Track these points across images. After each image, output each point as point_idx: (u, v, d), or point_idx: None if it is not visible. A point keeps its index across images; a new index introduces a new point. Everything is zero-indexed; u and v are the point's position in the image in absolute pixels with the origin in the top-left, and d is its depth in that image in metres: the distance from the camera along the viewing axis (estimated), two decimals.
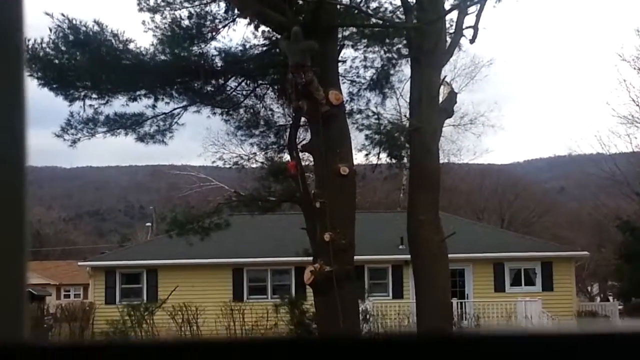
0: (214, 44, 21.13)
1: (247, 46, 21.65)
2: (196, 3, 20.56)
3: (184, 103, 21.77)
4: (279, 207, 23.41)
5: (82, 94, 20.67)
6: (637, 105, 63.71)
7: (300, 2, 19.10)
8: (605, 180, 50.04)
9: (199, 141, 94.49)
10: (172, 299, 26.24)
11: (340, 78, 20.24)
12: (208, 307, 26.63)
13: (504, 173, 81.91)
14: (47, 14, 19.32)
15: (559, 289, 37.27)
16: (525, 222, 64.96)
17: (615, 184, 48.66)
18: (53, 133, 20.95)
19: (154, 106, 21.47)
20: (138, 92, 21.18)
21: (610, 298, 53.18)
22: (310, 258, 19.28)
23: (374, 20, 21.88)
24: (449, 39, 20.48)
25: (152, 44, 20.50)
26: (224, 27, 20.91)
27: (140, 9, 20.18)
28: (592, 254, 45.62)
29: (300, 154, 19.93)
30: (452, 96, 20.57)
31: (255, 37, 21.55)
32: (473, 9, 20.37)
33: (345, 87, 21.53)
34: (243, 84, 22.35)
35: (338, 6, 19.73)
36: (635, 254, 19.01)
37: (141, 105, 21.51)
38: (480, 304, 33.97)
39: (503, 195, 67.50)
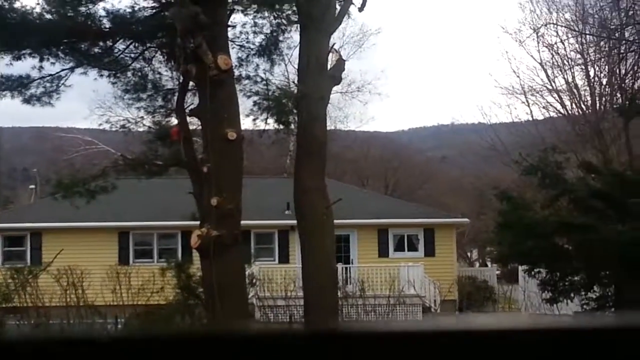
0: (102, 4, 20.88)
1: (136, 8, 21.45)
2: None
3: (71, 64, 21.47)
4: (166, 171, 23.35)
5: None
6: (518, 76, 65.52)
7: None
8: (486, 149, 51.37)
9: (86, 103, 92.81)
10: (57, 262, 25.95)
11: (230, 43, 20.30)
12: (94, 270, 26.45)
13: (389, 141, 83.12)
14: None
15: (440, 254, 38.23)
16: (409, 189, 66.15)
17: (495, 153, 49.99)
18: None
19: (40, 67, 21.12)
20: (23, 51, 20.80)
21: (489, 263, 54.82)
22: (197, 222, 19.39)
23: None
24: (338, 7, 20.76)
25: (39, 3, 20.16)
26: None
27: None
28: (472, 220, 46.87)
29: (188, 119, 19.94)
30: (340, 63, 20.89)
31: None
32: None
33: (234, 53, 21.57)
34: (131, 46, 22.15)
35: None
36: (512, 222, 19.77)
37: (27, 66, 21.15)
38: (365, 268, 34.59)
39: (388, 163, 68.51)
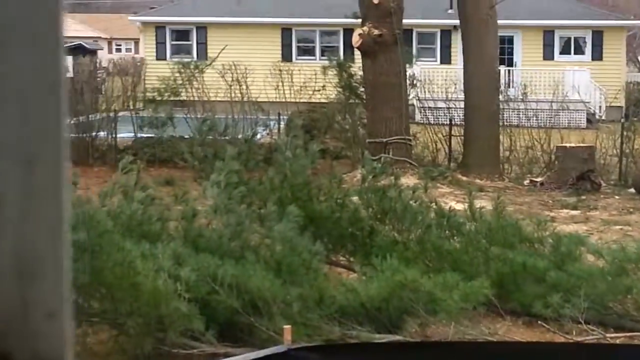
0: None
1: None
2: None
3: None
4: None
5: None
6: None
7: None
8: None
9: None
10: (221, 58, 26.47)
11: None
12: (257, 67, 26.92)
13: None
14: None
15: (608, 58, 36.99)
16: None
17: None
18: None
19: None
20: None
21: None
22: (359, 20, 19.31)
23: None
24: None
25: None
26: None
27: None
28: None
29: None
30: None
31: None
32: None
33: None
34: None
35: None
36: None
37: None
38: (528, 72, 33.89)
39: None
